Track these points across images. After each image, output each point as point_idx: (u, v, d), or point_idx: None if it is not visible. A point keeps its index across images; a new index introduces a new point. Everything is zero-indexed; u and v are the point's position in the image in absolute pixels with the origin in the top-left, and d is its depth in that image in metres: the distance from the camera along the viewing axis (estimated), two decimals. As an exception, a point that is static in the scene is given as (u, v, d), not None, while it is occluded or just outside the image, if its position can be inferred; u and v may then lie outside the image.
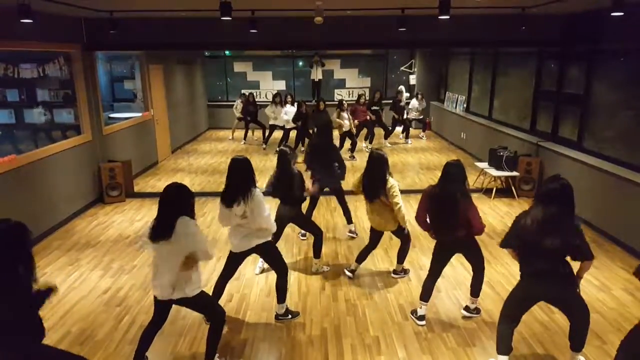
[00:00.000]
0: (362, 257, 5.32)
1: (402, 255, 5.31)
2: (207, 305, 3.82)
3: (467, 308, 4.62)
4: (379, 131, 12.39)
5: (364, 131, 11.90)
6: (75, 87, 7.57)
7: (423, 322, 4.46)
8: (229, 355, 4.04)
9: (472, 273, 4.52)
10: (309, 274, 5.48)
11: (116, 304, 4.88)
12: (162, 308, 3.68)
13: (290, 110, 11.43)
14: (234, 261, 4.39)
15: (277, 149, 5.59)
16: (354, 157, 10.91)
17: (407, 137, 12.91)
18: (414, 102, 13.23)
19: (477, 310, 4.61)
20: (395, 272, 5.43)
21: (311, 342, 4.22)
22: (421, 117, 13.51)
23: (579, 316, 3.70)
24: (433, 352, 4.06)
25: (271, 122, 12.06)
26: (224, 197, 4.08)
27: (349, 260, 5.83)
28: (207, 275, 5.46)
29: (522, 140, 8.72)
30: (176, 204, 3.44)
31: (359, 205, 7.14)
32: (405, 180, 9.23)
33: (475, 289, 4.52)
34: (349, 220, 6.54)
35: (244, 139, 13.04)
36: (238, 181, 4.03)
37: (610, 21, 6.21)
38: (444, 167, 4.27)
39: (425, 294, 4.45)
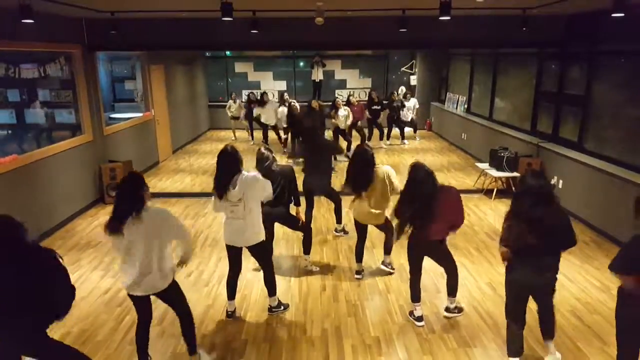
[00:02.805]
0: (359, 254, 5.37)
1: (389, 247, 5.48)
2: (181, 294, 3.73)
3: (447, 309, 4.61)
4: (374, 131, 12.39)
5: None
6: (76, 88, 7.57)
7: (422, 323, 4.46)
8: (230, 355, 4.05)
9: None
10: (309, 274, 5.48)
11: (117, 304, 4.88)
12: (144, 304, 3.61)
13: (278, 109, 11.72)
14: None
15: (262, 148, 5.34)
16: (348, 157, 10.91)
17: (402, 137, 12.83)
18: (412, 102, 13.03)
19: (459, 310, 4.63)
20: (384, 263, 5.54)
21: (312, 342, 4.22)
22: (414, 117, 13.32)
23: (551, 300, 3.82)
24: (434, 352, 4.06)
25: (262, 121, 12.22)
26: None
27: (350, 260, 5.83)
28: (208, 275, 5.47)
29: (523, 141, 8.72)
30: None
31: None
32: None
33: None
34: (339, 220, 6.60)
35: (252, 139, 13.04)
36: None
37: (611, 22, 6.21)
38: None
39: (416, 294, 4.50)
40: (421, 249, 4.40)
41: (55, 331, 4.36)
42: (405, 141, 12.81)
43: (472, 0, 6.07)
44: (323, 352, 4.09)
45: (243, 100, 13.63)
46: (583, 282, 5.26)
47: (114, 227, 3.36)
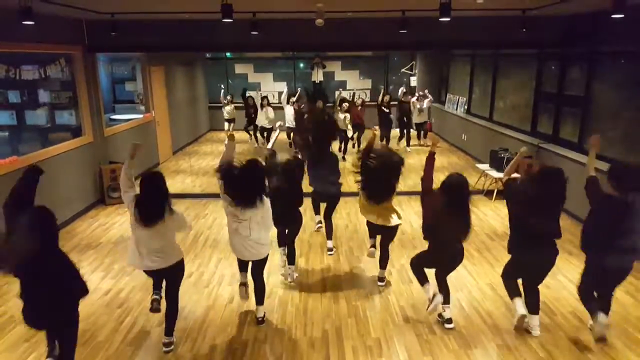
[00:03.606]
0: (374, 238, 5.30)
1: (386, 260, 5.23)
2: (182, 276, 4.18)
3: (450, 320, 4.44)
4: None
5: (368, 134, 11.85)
6: (76, 89, 7.58)
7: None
8: (231, 356, 4.04)
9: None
10: (309, 275, 5.48)
11: (117, 305, 4.88)
12: (158, 277, 4.14)
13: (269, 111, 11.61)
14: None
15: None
16: (344, 159, 10.98)
17: (408, 143, 12.14)
18: (426, 104, 12.27)
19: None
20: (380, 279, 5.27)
21: (312, 344, 4.22)
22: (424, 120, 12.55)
23: None
24: (434, 353, 4.06)
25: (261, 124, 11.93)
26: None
27: (350, 261, 5.84)
28: (208, 276, 5.47)
29: (523, 142, 8.71)
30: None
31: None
32: (406, 181, 9.20)
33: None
34: (330, 235, 6.11)
35: (257, 142, 12.52)
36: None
37: (611, 23, 6.21)
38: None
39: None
40: (448, 257, 4.32)
41: (56, 332, 4.37)
42: (408, 148, 12.11)
43: (472, 2, 6.08)
44: (323, 353, 4.08)
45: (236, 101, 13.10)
46: (584, 283, 5.25)
47: (142, 223, 3.75)
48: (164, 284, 4.18)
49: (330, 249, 6.05)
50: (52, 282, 3.19)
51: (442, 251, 4.30)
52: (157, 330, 4.41)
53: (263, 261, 4.46)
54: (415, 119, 12.27)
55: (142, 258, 3.89)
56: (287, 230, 5.27)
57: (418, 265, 4.50)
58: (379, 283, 5.25)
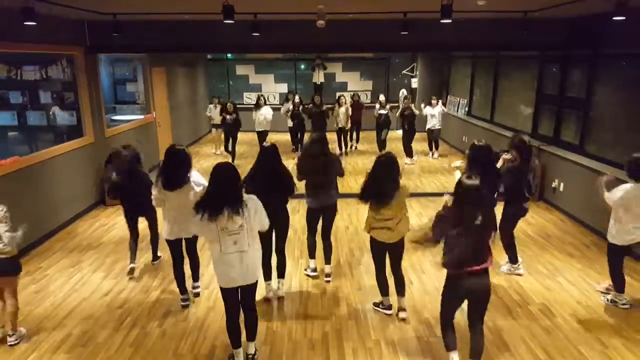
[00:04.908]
0: (385, 286, 4.68)
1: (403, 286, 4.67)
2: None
3: None
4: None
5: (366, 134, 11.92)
6: (77, 89, 7.59)
7: None
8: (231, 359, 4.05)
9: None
10: (309, 277, 5.48)
11: (117, 306, 4.88)
12: (178, 247, 4.74)
13: (265, 113, 10.99)
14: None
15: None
16: (346, 153, 11.05)
17: (411, 154, 11.07)
18: (432, 109, 11.18)
19: None
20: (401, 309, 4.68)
21: (312, 345, 4.22)
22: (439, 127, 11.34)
23: None
24: (434, 355, 4.06)
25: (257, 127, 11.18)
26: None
27: (351, 263, 5.83)
28: (209, 277, 5.47)
29: (524, 144, 8.71)
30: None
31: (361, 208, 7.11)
32: (407, 183, 9.20)
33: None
34: (329, 260, 5.48)
35: (231, 156, 11.12)
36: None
37: (612, 25, 6.21)
38: None
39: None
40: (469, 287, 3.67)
41: (57, 332, 4.38)
42: (414, 158, 11.10)
43: (474, 3, 6.08)
44: (324, 355, 4.08)
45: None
46: (584, 285, 5.25)
47: (166, 187, 4.49)
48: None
49: (328, 275, 5.40)
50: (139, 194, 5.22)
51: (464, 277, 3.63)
52: (157, 331, 4.42)
53: (256, 286, 3.88)
54: (427, 125, 11.32)
55: (173, 226, 4.59)
56: (274, 234, 4.80)
57: (446, 315, 3.88)
58: (401, 315, 4.63)
